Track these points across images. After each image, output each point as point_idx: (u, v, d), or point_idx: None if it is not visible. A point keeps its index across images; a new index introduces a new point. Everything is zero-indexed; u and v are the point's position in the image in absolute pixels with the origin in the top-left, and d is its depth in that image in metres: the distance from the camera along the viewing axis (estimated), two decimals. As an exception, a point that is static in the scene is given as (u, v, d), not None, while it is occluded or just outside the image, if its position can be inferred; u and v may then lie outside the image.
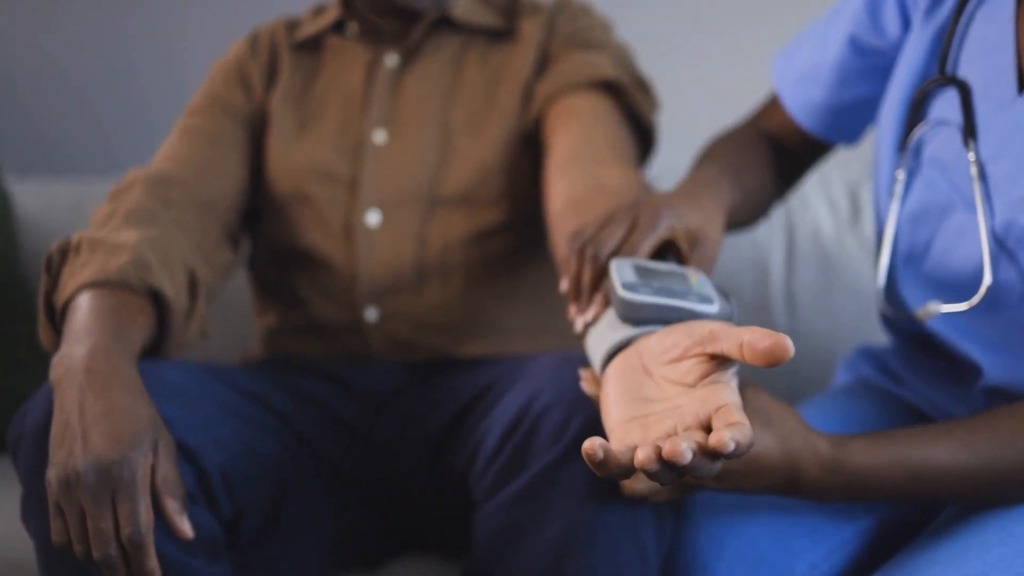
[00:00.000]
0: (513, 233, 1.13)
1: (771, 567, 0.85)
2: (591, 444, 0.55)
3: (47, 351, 1.02)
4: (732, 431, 0.54)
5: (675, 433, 0.59)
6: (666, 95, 1.30)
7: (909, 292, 0.91)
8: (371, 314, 1.11)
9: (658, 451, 0.55)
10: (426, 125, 1.14)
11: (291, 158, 1.14)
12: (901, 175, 0.90)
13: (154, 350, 0.97)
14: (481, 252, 1.12)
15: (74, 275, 0.93)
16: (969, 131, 0.83)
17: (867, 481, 0.79)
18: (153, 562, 0.78)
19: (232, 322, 1.39)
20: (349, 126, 1.15)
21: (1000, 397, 0.86)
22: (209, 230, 1.07)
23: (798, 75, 1.02)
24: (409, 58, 1.17)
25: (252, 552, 0.96)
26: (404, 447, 1.06)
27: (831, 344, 1.41)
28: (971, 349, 0.86)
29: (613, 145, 1.05)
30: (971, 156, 0.83)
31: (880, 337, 1.28)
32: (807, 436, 0.78)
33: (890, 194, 0.91)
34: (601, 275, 0.80)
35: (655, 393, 0.64)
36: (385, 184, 1.12)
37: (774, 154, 1.05)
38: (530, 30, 1.16)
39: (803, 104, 1.02)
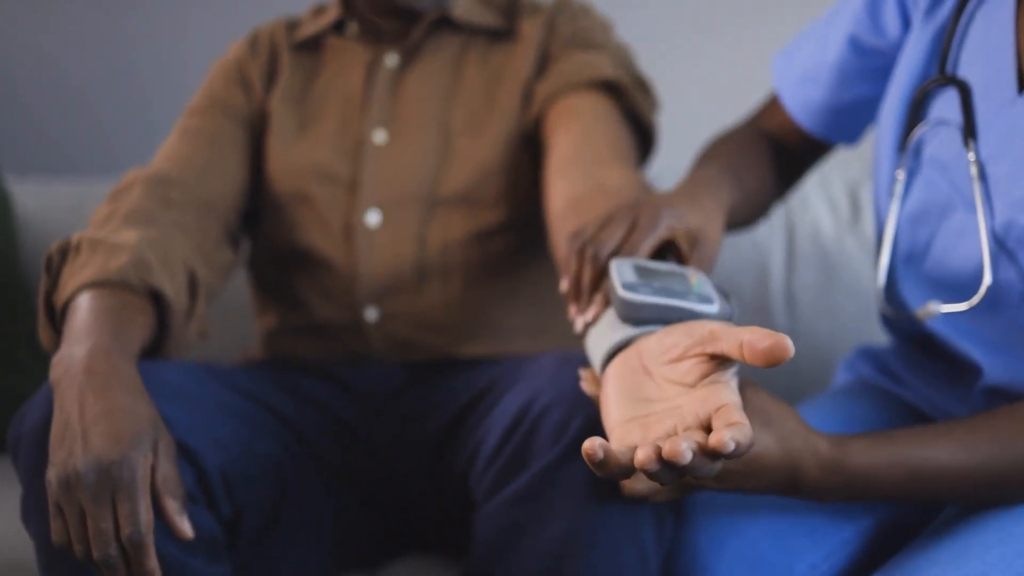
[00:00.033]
0: (513, 233, 1.13)
1: (771, 567, 0.85)
2: (591, 444, 0.55)
3: (47, 351, 1.02)
4: (732, 431, 0.54)
5: (675, 433, 0.59)
6: (666, 95, 1.30)
7: (909, 292, 0.91)
8: (371, 314, 1.11)
9: (658, 451, 0.55)
10: (426, 125, 1.14)
11: (291, 158, 1.14)
12: (901, 175, 0.90)
13: (154, 350, 0.97)
14: (481, 252, 1.12)
15: (74, 275, 0.93)
16: (969, 131, 0.83)
17: (867, 481, 0.79)
18: (153, 562, 0.78)
19: (232, 322, 1.39)
20: (349, 126, 1.15)
21: (1000, 397, 0.86)
22: (209, 230, 1.07)
23: (798, 75, 1.02)
24: (409, 58, 1.17)
25: (252, 552, 0.96)
26: (404, 447, 1.06)
27: (831, 344, 1.41)
28: (971, 349, 0.86)
29: (613, 145, 1.05)
30: (971, 156, 0.82)
31: (880, 337, 1.28)
32: (807, 436, 0.78)
33: (890, 194, 0.91)
34: (601, 275, 0.80)
35: (655, 393, 0.64)
36: (385, 184, 1.12)
37: (774, 154, 1.05)
38: (530, 30, 1.16)
39: (803, 104, 1.02)
